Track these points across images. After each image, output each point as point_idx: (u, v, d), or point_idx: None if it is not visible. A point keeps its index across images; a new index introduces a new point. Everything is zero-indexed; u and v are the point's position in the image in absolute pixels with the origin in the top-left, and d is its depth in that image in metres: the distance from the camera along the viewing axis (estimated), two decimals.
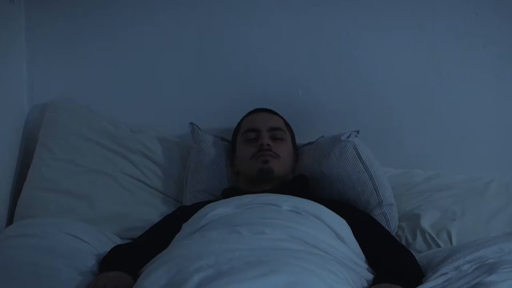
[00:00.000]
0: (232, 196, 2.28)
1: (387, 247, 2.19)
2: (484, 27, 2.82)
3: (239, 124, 2.61)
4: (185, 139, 2.76)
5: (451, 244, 2.47)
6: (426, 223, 2.50)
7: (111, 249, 2.13)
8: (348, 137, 2.55)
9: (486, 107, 2.83)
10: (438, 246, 2.47)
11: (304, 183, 2.50)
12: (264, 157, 2.45)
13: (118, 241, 2.35)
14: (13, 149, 2.69)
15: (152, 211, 2.59)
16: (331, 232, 2.09)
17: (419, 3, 2.83)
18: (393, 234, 2.46)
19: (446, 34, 2.82)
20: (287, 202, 2.16)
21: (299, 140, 2.67)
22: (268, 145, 2.47)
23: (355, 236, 2.16)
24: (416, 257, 2.22)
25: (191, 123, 2.70)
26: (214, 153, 2.64)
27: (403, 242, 2.47)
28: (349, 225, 2.19)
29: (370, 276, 2.02)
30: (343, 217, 2.19)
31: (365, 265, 2.07)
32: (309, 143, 2.66)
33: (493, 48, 2.81)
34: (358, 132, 2.58)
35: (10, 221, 2.55)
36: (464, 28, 2.82)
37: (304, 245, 1.93)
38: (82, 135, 2.72)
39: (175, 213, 2.40)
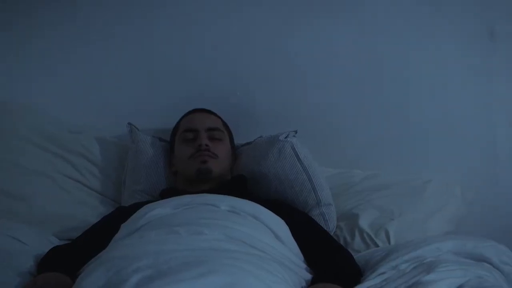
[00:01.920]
0: (171, 196, 2.35)
1: (325, 247, 2.29)
2: (423, 27, 2.93)
3: (177, 124, 2.69)
4: (123, 139, 2.85)
5: (389, 243, 2.56)
6: (364, 222, 2.59)
7: (49, 250, 2.19)
8: (286, 137, 2.65)
9: (425, 107, 2.95)
10: (377, 245, 2.55)
11: (242, 183, 2.59)
12: (202, 157, 2.54)
13: (57, 242, 2.41)
14: None
15: (90, 211, 2.66)
16: (269, 232, 2.17)
17: (359, 2, 2.94)
18: (332, 234, 2.54)
19: (386, 33, 2.94)
20: (225, 202, 2.24)
21: (238, 140, 2.77)
22: (206, 145, 2.56)
23: (293, 236, 2.24)
24: (355, 257, 2.31)
25: (129, 124, 2.78)
26: (152, 153, 2.72)
27: (342, 242, 2.55)
28: (287, 225, 2.26)
29: (308, 276, 2.11)
30: (281, 217, 2.27)
31: (304, 265, 2.16)
32: (248, 143, 2.77)
33: (433, 48, 2.92)
34: (296, 132, 2.68)
35: None
36: (404, 27, 2.93)
37: (242, 245, 2.00)
38: (21, 135, 2.77)
39: (113, 213, 2.46)
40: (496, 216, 2.91)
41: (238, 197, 2.32)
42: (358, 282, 2.12)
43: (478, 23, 2.91)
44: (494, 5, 2.88)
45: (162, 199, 2.39)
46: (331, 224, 2.58)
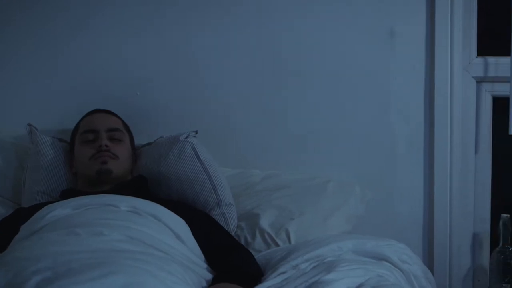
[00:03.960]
0: (71, 197, 2.42)
1: (226, 247, 2.41)
2: (322, 27, 3.05)
3: (77, 125, 2.77)
4: (23, 140, 2.90)
5: (290, 243, 2.67)
6: (264, 222, 2.71)
7: None
8: (186, 138, 2.76)
9: (324, 107, 3.07)
10: (277, 245, 2.67)
11: (143, 184, 2.69)
12: (102, 158, 2.63)
13: None
14: None
15: None
16: (170, 232, 2.27)
17: (256, 2, 3.06)
18: (232, 233, 2.66)
19: (286, 32, 3.07)
20: (126, 202, 2.33)
21: (138, 141, 2.86)
22: (106, 146, 2.64)
23: (194, 236, 2.35)
24: (256, 257, 2.44)
25: (29, 124, 2.85)
26: (53, 154, 2.78)
27: (242, 242, 2.66)
28: (188, 225, 2.37)
29: (209, 276, 2.22)
30: (182, 217, 2.38)
31: (204, 265, 2.27)
32: (148, 144, 2.86)
33: (333, 47, 3.06)
34: (196, 132, 2.79)
35: None
36: (305, 27, 3.06)
37: (143, 246, 2.09)
38: None
39: (12, 215, 2.52)
40: (394, 215, 3.09)
41: (139, 197, 2.41)
42: (259, 281, 2.23)
43: (378, 23, 3.04)
44: (393, 6, 3.02)
45: (62, 200, 2.45)
46: (231, 224, 2.69)
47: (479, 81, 3.08)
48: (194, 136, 2.78)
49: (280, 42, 3.07)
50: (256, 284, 2.19)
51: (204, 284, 2.17)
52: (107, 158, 2.63)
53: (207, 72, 3.09)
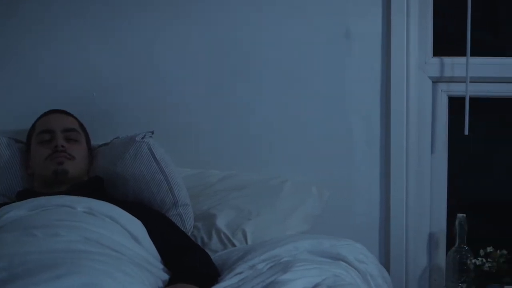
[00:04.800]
0: (27, 198, 2.45)
1: (182, 247, 2.46)
2: (279, 26, 3.10)
3: (33, 125, 2.80)
4: None
5: (247, 243, 2.72)
6: (221, 222, 2.76)
7: None
8: (142, 138, 2.80)
9: (281, 107, 3.14)
10: (234, 245, 2.71)
11: (99, 184, 2.72)
12: (58, 158, 2.66)
13: None
14: None
15: None
16: (126, 233, 2.31)
17: (215, 5, 3.12)
18: (189, 234, 2.70)
19: (242, 32, 3.12)
20: (82, 203, 2.37)
21: (95, 141, 2.89)
22: (62, 146, 2.68)
23: (150, 236, 2.39)
24: (212, 257, 2.49)
25: None
26: (8, 155, 2.81)
27: (199, 242, 2.71)
28: (144, 226, 2.40)
29: (165, 276, 2.27)
30: (138, 218, 2.42)
31: (161, 266, 2.32)
32: (104, 144, 2.89)
33: (289, 47, 3.12)
34: (152, 132, 2.83)
35: None
36: (261, 26, 3.11)
37: (99, 246, 2.13)
38: None
39: None
40: (351, 215, 3.16)
41: (95, 198, 2.44)
42: (216, 282, 2.28)
43: (334, 23, 3.10)
44: (350, 6, 3.09)
45: (18, 200, 2.49)
46: (188, 224, 2.73)
47: (435, 81, 3.16)
48: (151, 137, 2.82)
49: (238, 43, 3.13)
50: (212, 285, 2.24)
51: (161, 284, 2.22)
52: (63, 159, 2.65)
53: (165, 72, 3.14)
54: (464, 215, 3.05)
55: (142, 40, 3.14)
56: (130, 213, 2.41)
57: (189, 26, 3.13)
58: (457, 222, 3.05)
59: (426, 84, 3.15)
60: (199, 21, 3.13)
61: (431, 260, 3.23)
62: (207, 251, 2.56)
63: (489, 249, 3.04)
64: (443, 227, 3.23)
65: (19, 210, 2.30)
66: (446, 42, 3.20)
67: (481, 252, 3.04)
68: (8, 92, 3.10)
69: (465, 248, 3.05)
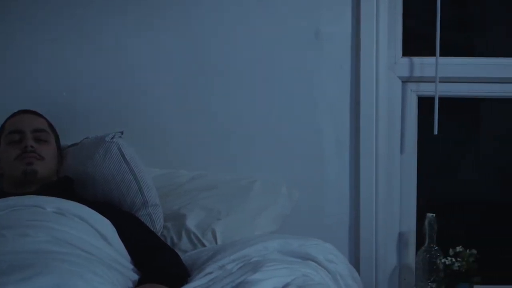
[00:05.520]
0: None
1: (151, 247, 2.50)
2: (247, 26, 3.16)
3: (2, 126, 2.82)
4: None
5: (216, 243, 2.75)
6: (191, 222, 2.79)
7: None
8: (112, 138, 2.82)
9: (251, 107, 3.18)
10: (204, 245, 2.74)
11: (69, 185, 2.75)
12: (28, 159, 2.68)
13: None
14: None
15: None
16: (95, 233, 2.34)
17: (187, 3, 3.16)
18: (159, 234, 2.73)
19: (211, 34, 3.17)
20: (51, 203, 2.40)
21: (64, 142, 2.92)
22: (31, 146, 2.70)
23: (120, 237, 2.42)
24: (182, 257, 2.52)
25: None
26: None
27: (169, 242, 2.74)
28: (114, 226, 2.44)
29: (135, 276, 2.31)
30: (108, 218, 2.45)
31: (131, 266, 2.36)
32: (74, 144, 2.92)
33: (261, 48, 3.16)
34: (122, 133, 2.86)
35: None
36: (230, 28, 3.16)
37: (69, 247, 2.18)
38: None
39: None
40: (320, 215, 3.20)
41: (65, 198, 2.48)
42: (186, 282, 2.32)
43: (304, 23, 3.15)
44: (319, 6, 3.14)
45: None
46: (158, 225, 2.76)
47: (405, 81, 3.22)
48: (120, 137, 2.84)
49: (208, 43, 3.17)
50: (182, 285, 2.29)
51: (130, 284, 2.26)
52: (32, 159, 2.68)
53: (134, 73, 3.18)
54: (434, 214, 3.11)
55: (113, 42, 3.17)
56: (100, 213, 2.44)
57: (159, 27, 3.17)
58: (426, 222, 3.11)
59: (395, 84, 3.21)
60: (170, 23, 3.17)
61: (401, 260, 3.29)
62: (177, 251, 2.59)
63: (458, 248, 3.11)
64: (413, 226, 3.29)
65: None
66: (416, 42, 3.25)
67: (451, 251, 3.11)
68: None
69: (434, 247, 3.11)
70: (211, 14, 3.17)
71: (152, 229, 2.69)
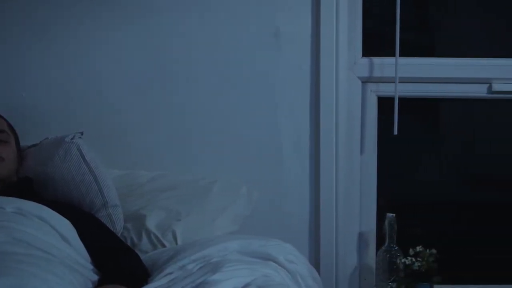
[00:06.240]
0: None
1: (111, 248, 2.52)
2: (211, 28, 3.20)
3: None
4: None
5: (177, 244, 2.77)
6: (151, 223, 2.81)
7: None
8: (72, 139, 2.84)
9: (211, 107, 3.22)
10: (164, 246, 2.76)
11: (28, 185, 2.77)
12: None
13: None
14: None
15: None
16: (55, 233, 2.36)
17: (146, 2, 3.20)
18: (119, 235, 2.75)
19: (171, 34, 3.20)
20: (11, 204, 2.40)
21: (24, 142, 2.94)
22: None
23: (80, 237, 2.43)
24: (142, 258, 2.54)
25: None
26: None
27: (129, 243, 2.77)
28: (74, 226, 2.45)
29: (95, 277, 2.33)
30: (68, 219, 2.46)
31: (91, 267, 2.38)
32: (34, 145, 2.94)
33: (219, 48, 3.20)
34: (82, 133, 2.88)
35: None
36: (189, 28, 3.19)
37: (29, 247, 2.19)
38: None
39: None
40: (281, 215, 3.25)
41: (25, 199, 2.49)
42: (146, 282, 2.35)
43: (263, 23, 3.19)
44: (279, 6, 3.18)
45: None
46: (118, 225, 2.78)
47: (365, 81, 3.28)
48: (80, 137, 2.86)
49: (168, 44, 3.21)
50: (142, 286, 2.32)
51: (90, 285, 2.28)
52: None
53: (94, 73, 3.21)
54: (394, 214, 3.16)
55: (73, 41, 3.20)
56: (60, 214, 2.45)
57: (120, 27, 3.20)
58: (386, 222, 3.17)
59: (355, 84, 3.27)
60: (131, 23, 3.20)
61: (361, 260, 3.35)
62: (137, 252, 2.62)
63: (418, 248, 3.16)
64: (373, 226, 3.36)
65: None
66: (376, 43, 3.31)
67: (411, 251, 3.16)
68: None
69: (394, 247, 3.17)
70: (170, 14, 3.19)
71: (112, 229, 2.71)
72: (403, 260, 3.14)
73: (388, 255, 3.17)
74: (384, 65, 3.26)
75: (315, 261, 3.25)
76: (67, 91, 3.20)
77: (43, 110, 3.18)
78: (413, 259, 3.13)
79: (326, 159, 3.22)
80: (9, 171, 2.77)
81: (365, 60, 3.27)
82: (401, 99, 3.20)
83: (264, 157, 3.24)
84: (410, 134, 3.38)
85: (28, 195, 2.59)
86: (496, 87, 3.27)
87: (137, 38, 3.21)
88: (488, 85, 3.28)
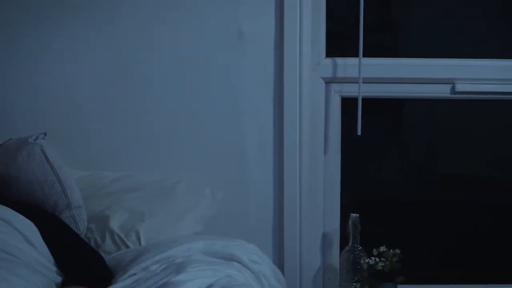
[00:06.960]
0: None
1: (75, 249, 2.55)
2: (174, 29, 3.23)
3: None
4: None
5: (140, 245, 2.78)
6: (115, 224, 2.82)
7: None
8: (35, 140, 2.83)
9: (174, 108, 3.25)
10: (127, 247, 2.78)
11: None
12: None
13: None
14: None
15: None
16: (19, 235, 2.39)
17: (108, 3, 3.22)
18: (82, 236, 2.76)
19: (132, 34, 3.24)
20: None
21: None
22: None
23: (43, 239, 2.46)
24: (106, 258, 2.58)
25: None
26: None
27: (92, 244, 2.77)
28: (37, 228, 2.47)
29: (59, 279, 2.38)
30: (31, 220, 2.48)
31: (54, 268, 2.42)
32: None
33: (182, 48, 3.23)
34: (45, 134, 2.88)
35: None
36: (151, 28, 3.23)
37: None
38: None
39: None
40: (244, 216, 3.30)
41: None
42: (109, 283, 2.39)
43: (226, 23, 3.22)
44: (241, 6, 3.22)
45: None
46: (81, 226, 2.79)
47: (328, 81, 3.32)
48: (43, 138, 2.85)
49: (131, 44, 3.24)
50: (106, 286, 2.36)
51: (54, 287, 2.33)
52: None
53: (58, 73, 3.23)
54: (357, 214, 3.22)
55: (35, 41, 3.22)
56: (23, 215, 2.48)
57: (82, 28, 3.23)
58: (350, 222, 3.22)
59: (319, 84, 3.31)
60: (92, 23, 3.22)
61: (325, 260, 3.41)
62: (100, 252, 2.65)
63: (382, 248, 3.22)
64: (337, 227, 3.41)
65: None
66: (339, 43, 3.35)
67: (374, 251, 3.21)
68: None
69: (358, 247, 3.23)
70: (132, 14, 3.22)
71: (75, 230, 2.73)
72: (367, 260, 3.19)
73: (352, 255, 3.22)
74: (348, 65, 3.30)
75: (279, 262, 3.29)
76: (30, 91, 3.23)
77: (6, 110, 3.21)
78: (377, 259, 3.18)
79: (290, 159, 3.27)
80: None
81: (329, 60, 3.31)
82: (365, 99, 3.25)
83: (228, 157, 3.28)
84: (374, 134, 3.42)
85: None
86: (459, 87, 3.33)
87: (100, 38, 3.23)
88: (451, 85, 3.34)
